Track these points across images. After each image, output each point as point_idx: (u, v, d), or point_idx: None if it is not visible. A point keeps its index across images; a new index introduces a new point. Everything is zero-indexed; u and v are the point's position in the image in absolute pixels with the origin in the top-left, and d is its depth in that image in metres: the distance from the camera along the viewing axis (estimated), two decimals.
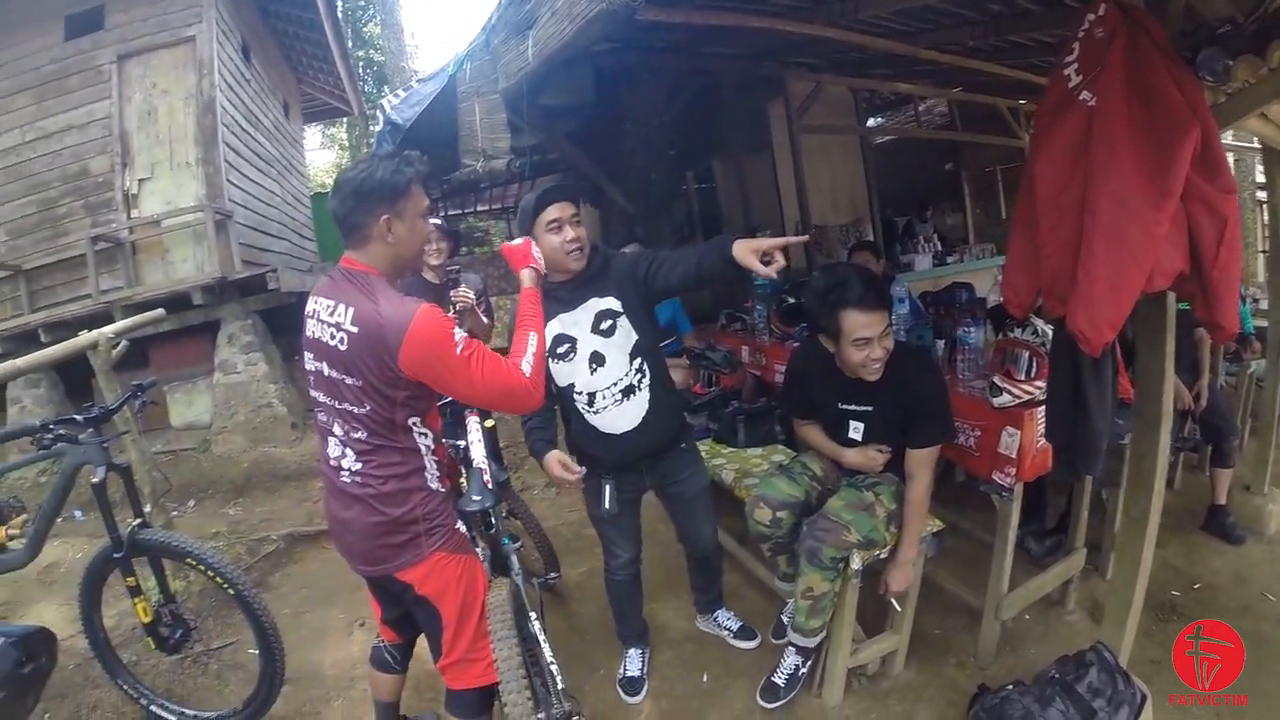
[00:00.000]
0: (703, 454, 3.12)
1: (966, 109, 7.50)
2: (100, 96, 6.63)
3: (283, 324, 6.79)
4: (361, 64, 16.31)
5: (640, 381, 2.23)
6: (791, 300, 3.54)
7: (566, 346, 2.21)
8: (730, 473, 3.02)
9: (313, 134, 18.15)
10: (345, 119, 15.19)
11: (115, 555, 2.43)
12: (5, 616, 3.44)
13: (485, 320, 3.22)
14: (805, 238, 2.09)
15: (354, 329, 1.63)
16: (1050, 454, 2.24)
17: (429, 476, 1.79)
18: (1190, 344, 3.52)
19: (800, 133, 5.76)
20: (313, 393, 1.80)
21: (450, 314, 2.70)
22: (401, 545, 1.75)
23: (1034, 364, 2.25)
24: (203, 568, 2.44)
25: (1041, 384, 2.21)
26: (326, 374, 1.71)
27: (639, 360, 2.22)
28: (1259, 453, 3.71)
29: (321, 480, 1.91)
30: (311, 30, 9.03)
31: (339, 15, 9.94)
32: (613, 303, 2.19)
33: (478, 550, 1.97)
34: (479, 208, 13.23)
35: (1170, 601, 2.94)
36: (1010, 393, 2.24)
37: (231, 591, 2.44)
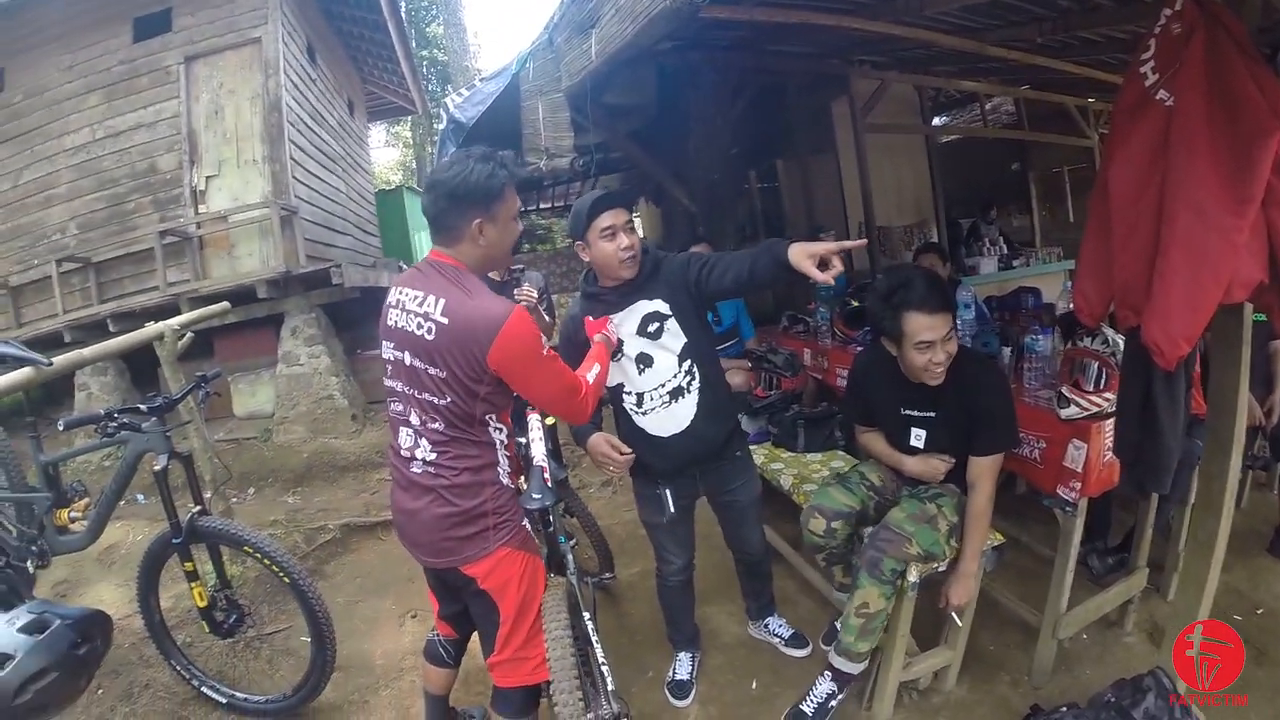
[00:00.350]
0: (761, 458, 3.16)
1: (1033, 107, 7.28)
2: (168, 96, 6.89)
3: (345, 318, 6.95)
4: (425, 63, 16.62)
5: (689, 384, 2.23)
6: (855, 303, 3.50)
7: (618, 355, 2.24)
8: (789, 478, 3.00)
9: (378, 132, 18.63)
10: (409, 117, 15.48)
11: (174, 541, 2.51)
12: (65, 595, 3.58)
13: (547, 318, 3.25)
14: (862, 241, 2.03)
15: (444, 320, 1.66)
16: (1117, 469, 2.15)
17: (501, 471, 1.82)
18: (1264, 357, 3.37)
19: (864, 132, 5.66)
20: (389, 382, 1.83)
21: None
22: (469, 538, 1.77)
23: (1104, 375, 2.17)
24: (259, 555, 2.50)
25: (1111, 396, 2.12)
26: (408, 363, 1.74)
27: (688, 363, 2.22)
28: None
29: (385, 472, 1.95)
30: (375, 30, 9.24)
31: (402, 15, 10.14)
32: (660, 305, 2.19)
33: (540, 551, 1.99)
34: (541, 205, 13.40)
35: (1233, 626, 2.82)
36: (1078, 404, 2.16)
37: (286, 579, 2.49)
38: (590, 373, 1.92)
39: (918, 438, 2.34)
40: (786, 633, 2.82)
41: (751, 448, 2.76)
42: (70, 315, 6.71)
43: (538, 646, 1.86)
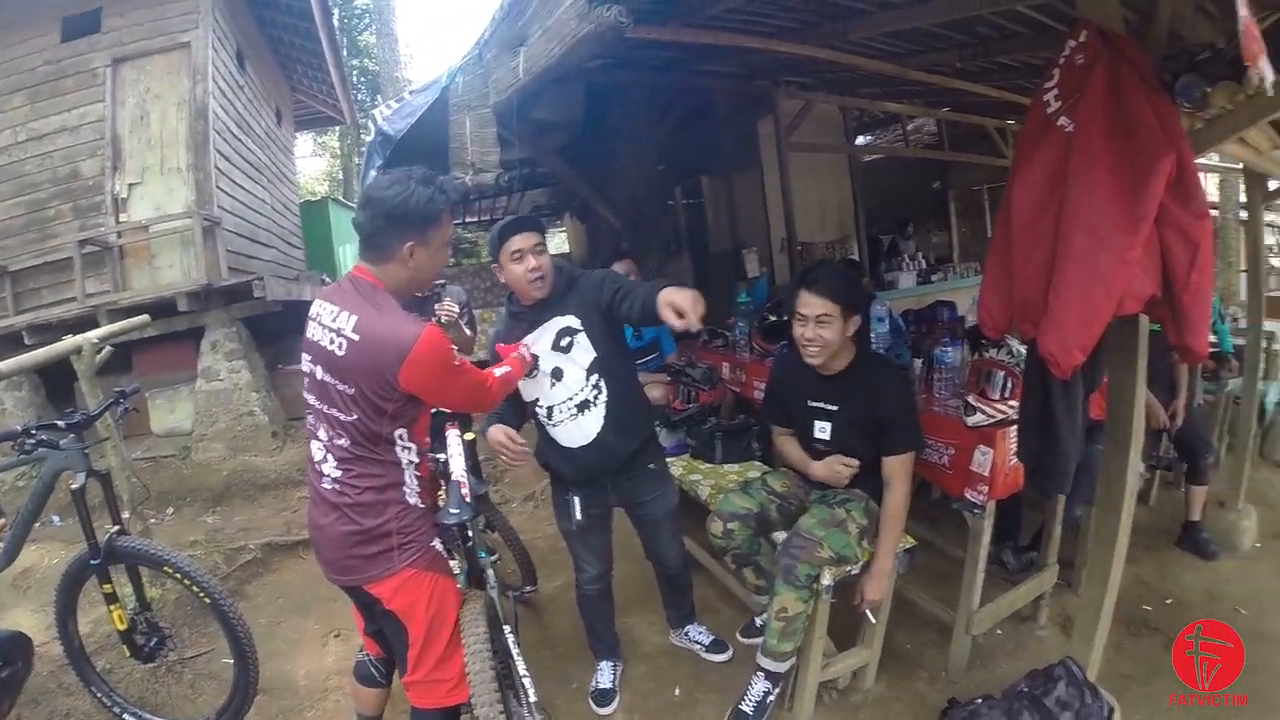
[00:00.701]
0: (680, 469, 3.20)
1: (954, 128, 7.57)
2: (94, 99, 6.61)
3: (267, 332, 6.77)
4: (355, 72, 16.31)
5: (596, 398, 2.30)
6: (773, 318, 3.57)
7: (532, 371, 2.30)
8: (706, 489, 3.05)
9: (304, 141, 18.14)
10: (338, 127, 15.16)
11: (92, 562, 2.44)
12: None
13: (468, 333, 3.24)
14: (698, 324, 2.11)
15: (355, 337, 1.65)
16: (1022, 473, 2.27)
17: (408, 491, 1.80)
18: (1167, 364, 3.58)
19: (789, 150, 5.77)
20: (305, 395, 1.82)
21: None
22: (373, 557, 1.75)
23: (1009, 384, 2.28)
24: (179, 576, 2.44)
25: (1015, 404, 2.23)
26: (320, 378, 1.73)
27: (595, 377, 2.29)
28: (1234, 470, 3.75)
29: (306, 490, 1.92)
30: (307, 39, 9.03)
31: (334, 24, 9.95)
32: (572, 320, 2.27)
33: (454, 565, 1.98)
34: (468, 219, 13.28)
35: (1143, 616, 2.98)
36: (984, 412, 2.27)
37: (207, 600, 2.44)
38: (500, 369, 2.00)
39: (822, 430, 2.44)
40: (706, 639, 2.88)
41: (670, 460, 2.85)
42: None
43: (453, 668, 1.85)
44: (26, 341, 5.90)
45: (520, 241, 2.20)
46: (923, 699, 2.54)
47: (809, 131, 6.02)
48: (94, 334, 3.42)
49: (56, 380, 5.88)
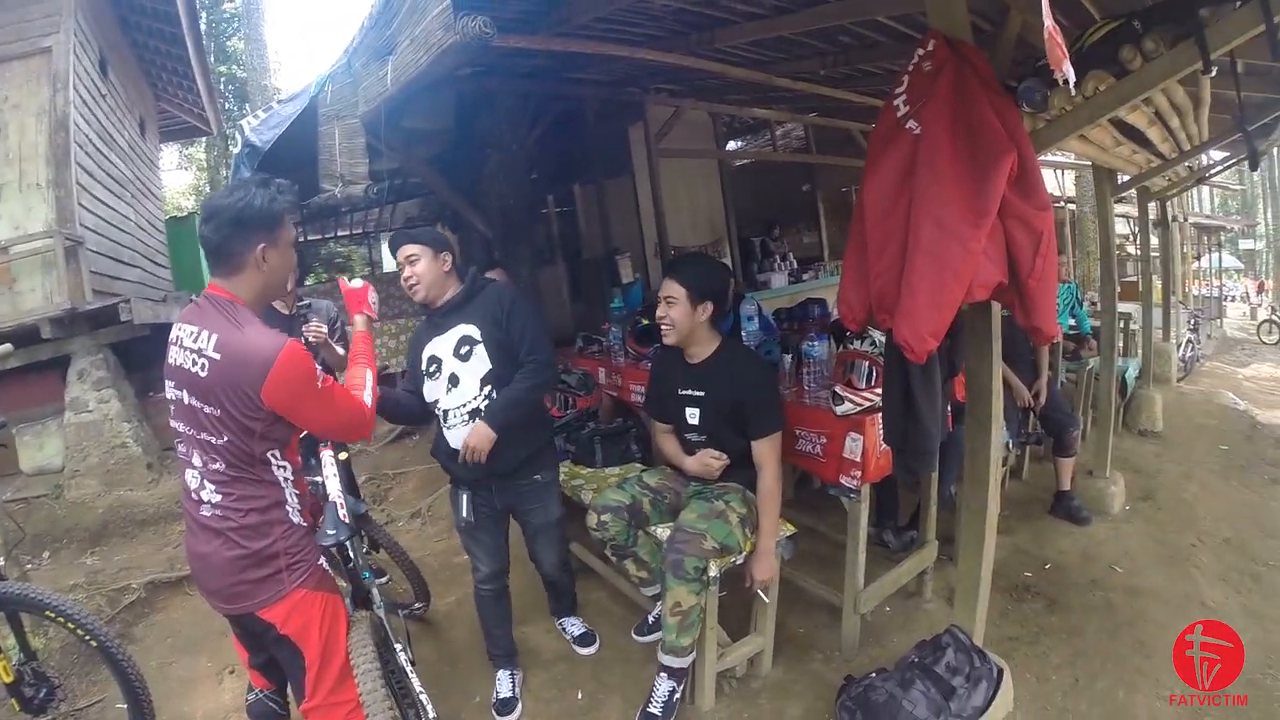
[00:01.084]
0: (562, 475, 3.19)
1: (821, 133, 7.83)
2: None
3: (136, 358, 6.35)
4: (223, 80, 15.50)
5: (488, 408, 2.40)
6: (646, 322, 3.60)
7: (435, 367, 2.45)
8: (589, 492, 3.09)
9: (169, 154, 17.16)
10: (204, 139, 14.34)
11: None
12: None
13: (340, 351, 3.16)
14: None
15: (216, 356, 1.61)
16: (891, 455, 2.39)
17: (290, 510, 1.76)
18: (1029, 347, 3.83)
19: (659, 156, 5.86)
20: (173, 422, 1.75)
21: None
22: (262, 581, 1.70)
23: (873, 373, 2.40)
24: (63, 620, 2.32)
25: (880, 391, 2.33)
26: (187, 402, 1.67)
27: (488, 388, 2.42)
28: (1099, 440, 4.06)
29: (182, 523, 1.84)
30: (173, 44, 8.52)
31: (201, 29, 9.45)
32: (473, 330, 2.42)
33: (341, 588, 1.93)
34: (339, 233, 12.91)
35: (1024, 582, 3.19)
36: (852, 401, 2.39)
37: (94, 644, 2.34)
38: (366, 387, 1.91)
39: (692, 415, 2.56)
40: (577, 631, 3.00)
41: None
42: None
43: (349, 690, 1.80)
44: None
45: (401, 254, 2.44)
46: (820, 678, 2.63)
47: (679, 137, 6.10)
48: None
49: None
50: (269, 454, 1.72)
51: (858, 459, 2.40)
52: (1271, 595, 3.10)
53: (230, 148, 9.55)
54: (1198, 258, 17.40)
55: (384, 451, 5.98)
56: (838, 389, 2.42)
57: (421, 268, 2.40)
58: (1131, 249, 11.96)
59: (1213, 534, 3.64)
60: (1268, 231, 28.34)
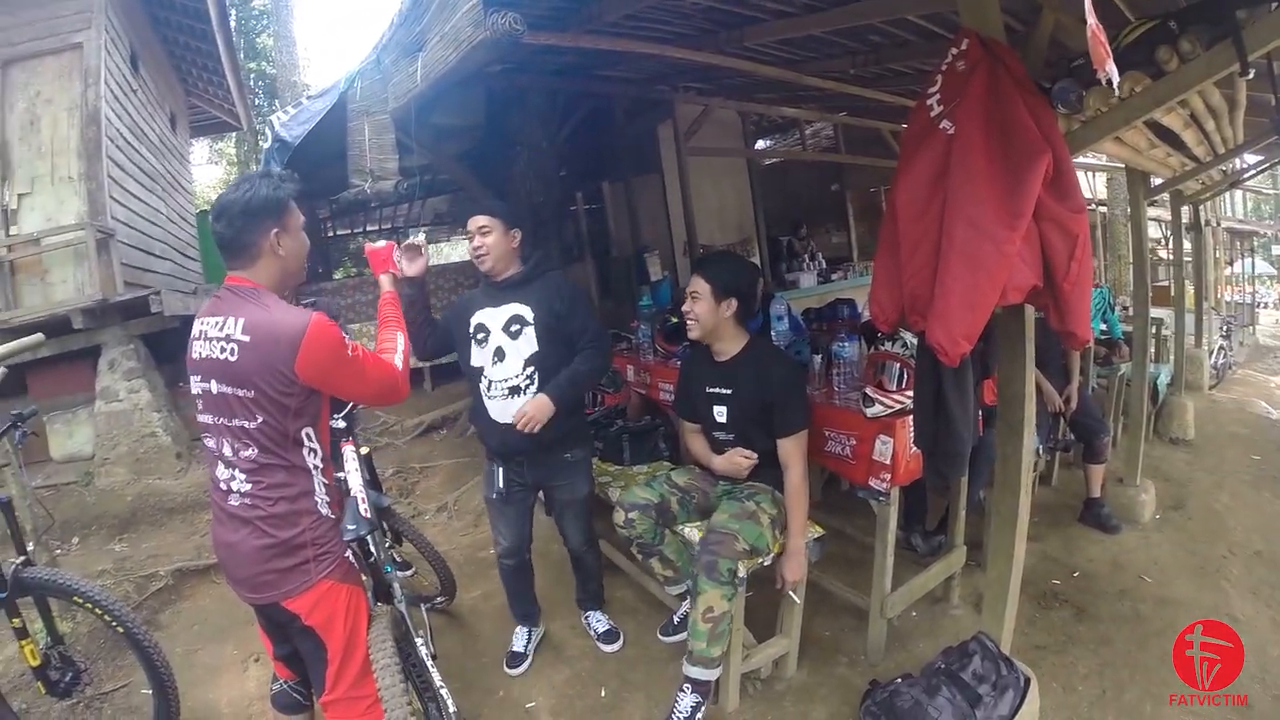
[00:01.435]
0: None
1: (851, 132, 7.77)
2: None
3: (166, 349, 6.45)
4: (253, 76, 15.61)
5: (528, 387, 2.52)
6: (675, 320, 3.61)
7: (483, 335, 2.55)
8: (617, 490, 3.08)
9: (200, 148, 17.35)
10: (234, 133, 14.53)
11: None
12: None
13: None
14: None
15: (245, 338, 1.64)
16: (922, 459, 2.35)
17: (319, 501, 1.77)
18: (1060, 352, 3.77)
19: (689, 155, 5.88)
20: (201, 417, 1.77)
21: None
22: (289, 570, 1.72)
23: (904, 375, 2.38)
24: (91, 606, 2.35)
25: (911, 394, 2.31)
26: (216, 391, 1.69)
27: (531, 369, 2.52)
28: (1130, 447, 3.99)
29: (210, 510, 1.86)
30: (203, 40, 8.63)
31: (231, 25, 9.55)
32: (526, 311, 2.52)
33: (364, 581, 1.94)
34: (369, 227, 13.00)
35: (1052, 590, 3.14)
36: (882, 403, 2.35)
37: (121, 630, 2.36)
38: (397, 350, 1.94)
39: (720, 414, 2.57)
40: (602, 627, 3.01)
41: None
42: None
43: (370, 685, 1.81)
44: None
45: (471, 224, 2.55)
46: (845, 683, 2.61)
47: (708, 136, 6.12)
48: None
49: None
50: (303, 433, 1.74)
51: (887, 461, 2.38)
52: None
53: (260, 143, 9.65)
54: (1230, 263, 17.04)
55: (411, 445, 6.00)
56: (868, 390, 2.39)
57: (493, 240, 2.51)
58: (1163, 253, 11.77)
59: (1244, 545, 3.57)
60: None
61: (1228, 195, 12.63)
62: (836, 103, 6.35)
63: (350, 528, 1.85)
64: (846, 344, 2.71)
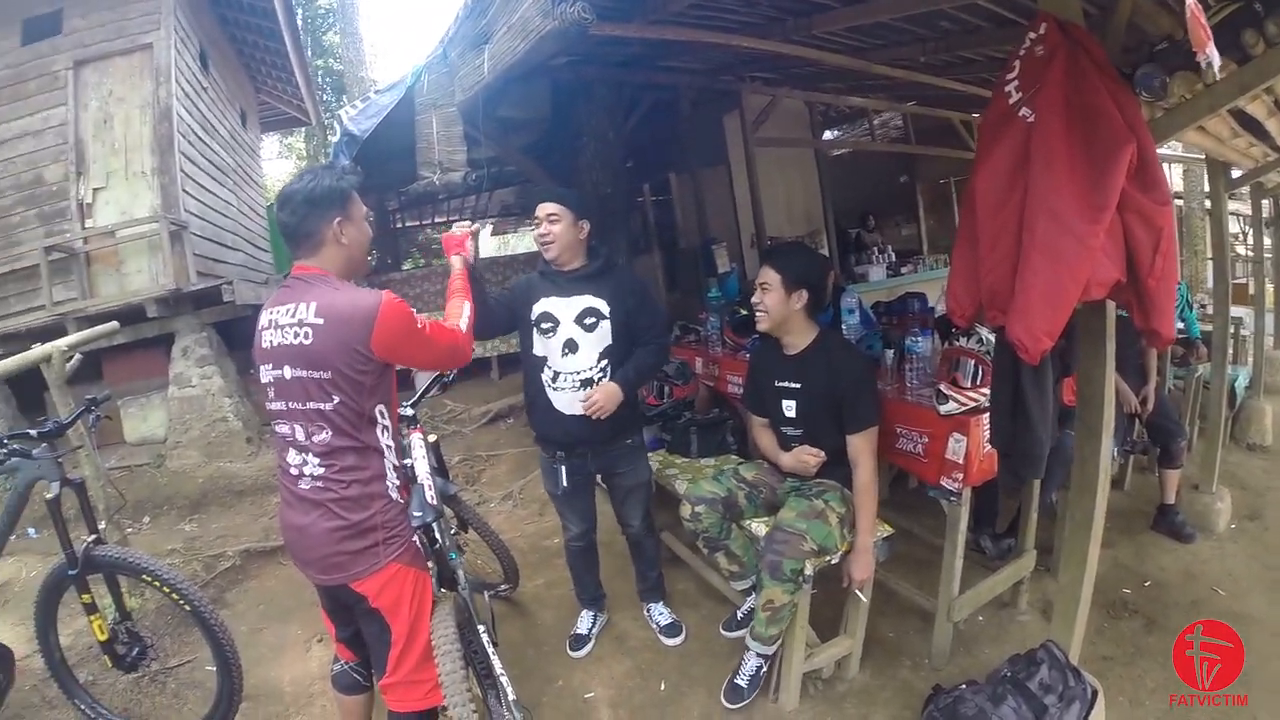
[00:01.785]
0: (656, 464, 3.23)
1: (920, 122, 7.61)
2: (56, 103, 6.46)
3: (238, 337, 6.67)
4: (320, 73, 16.04)
5: (600, 380, 2.51)
6: (744, 312, 3.58)
7: (550, 324, 2.52)
8: (684, 483, 3.05)
9: (270, 143, 17.83)
10: (303, 129, 14.97)
11: (70, 572, 2.41)
12: None
13: None
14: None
15: (319, 320, 1.68)
16: (996, 459, 2.28)
17: (389, 485, 1.81)
18: (1137, 350, 3.62)
19: (756, 146, 5.82)
20: (271, 405, 1.80)
21: None
22: (359, 553, 1.75)
23: (979, 371, 2.31)
24: (159, 584, 2.41)
25: (986, 391, 2.25)
26: (289, 377, 1.72)
27: (605, 362, 2.52)
28: (1207, 453, 3.82)
29: (277, 494, 1.90)
30: (270, 39, 8.91)
31: (298, 24, 9.80)
32: (601, 305, 2.51)
33: (429, 567, 1.97)
34: (436, 219, 13.18)
35: (1122, 599, 3.02)
36: (956, 400, 2.29)
37: (188, 608, 2.41)
38: (463, 315, 2.04)
39: (789, 408, 2.54)
40: (664, 621, 2.99)
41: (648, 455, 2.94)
42: None
43: (431, 670, 1.84)
44: None
45: (539, 210, 2.52)
46: (908, 686, 2.55)
47: (775, 127, 6.04)
48: (63, 342, 3.40)
49: (27, 391, 5.76)
50: (377, 409, 1.78)
51: (960, 461, 2.31)
52: None
53: (329, 137, 9.92)
54: None
55: (477, 434, 6.08)
56: (942, 387, 2.32)
57: (560, 228, 2.49)
58: (1241, 249, 11.23)
59: None
60: None
61: None
62: (905, 92, 6.23)
63: (417, 514, 1.88)
64: (920, 339, 2.63)
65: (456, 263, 2.27)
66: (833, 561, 2.36)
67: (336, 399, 1.70)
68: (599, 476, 2.79)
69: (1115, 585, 3.12)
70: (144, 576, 2.43)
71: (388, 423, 1.82)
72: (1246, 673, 2.49)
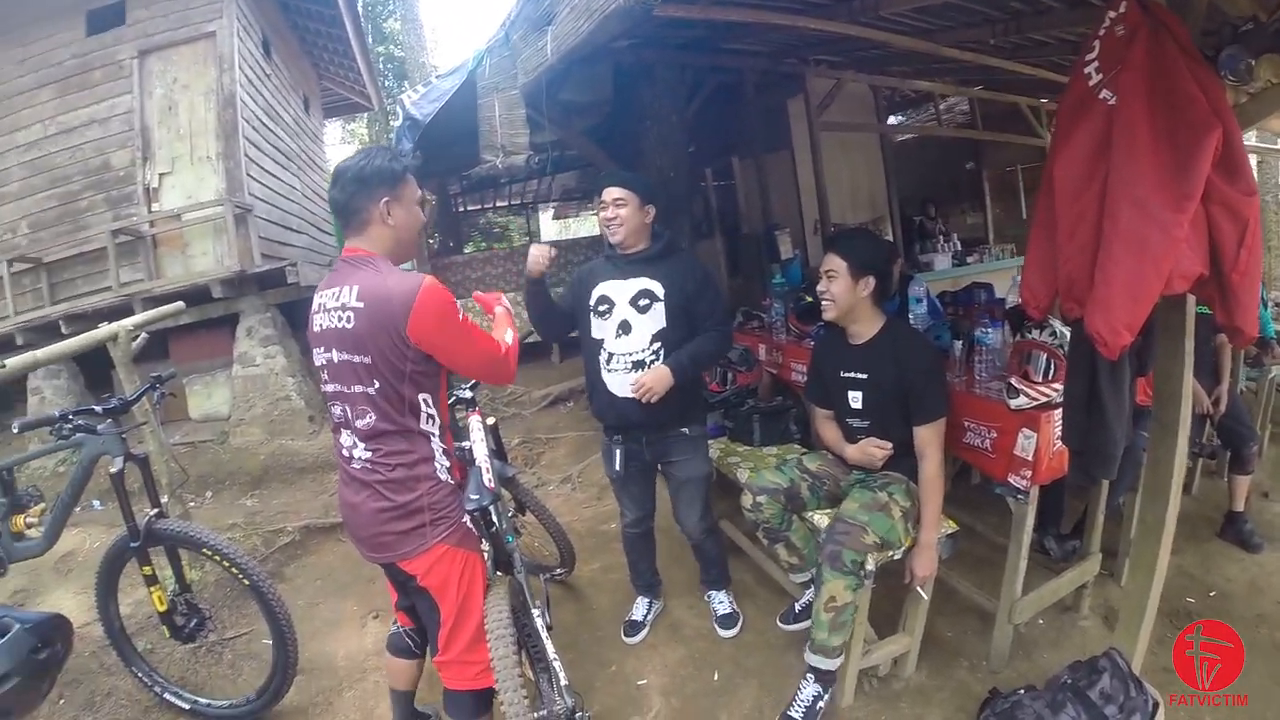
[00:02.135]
0: (718, 451, 3.21)
1: (987, 107, 7.44)
2: (122, 91, 6.69)
3: (301, 318, 6.77)
4: (382, 59, 16.30)
5: (652, 363, 2.50)
6: (809, 299, 3.51)
7: (606, 307, 2.55)
8: (745, 471, 3.03)
9: (333, 129, 18.18)
10: (365, 114, 15.24)
11: (132, 544, 2.47)
12: (23, 603, 3.49)
13: None
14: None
15: (360, 304, 1.68)
16: (1066, 457, 2.22)
17: (438, 466, 1.81)
18: (1210, 348, 3.48)
19: (820, 130, 5.75)
20: (325, 387, 1.84)
21: None
22: (406, 533, 1.77)
23: (1052, 366, 2.23)
24: (218, 558, 2.47)
25: (1059, 386, 2.18)
26: (337, 360, 1.75)
27: (658, 344, 2.51)
28: (1277, 458, 3.65)
29: (337, 471, 1.94)
30: (332, 26, 9.08)
31: (359, 11, 9.97)
32: (656, 287, 2.50)
33: (483, 549, 1.98)
34: (498, 203, 13.30)
35: (1185, 609, 2.91)
36: (1027, 394, 2.22)
37: (246, 582, 2.47)
38: (507, 335, 1.97)
39: (854, 399, 2.49)
40: (722, 610, 2.95)
41: (709, 442, 2.91)
42: (22, 317, 6.48)
43: (482, 652, 1.85)
44: (64, 331, 6.02)
45: (605, 194, 2.52)
46: (965, 688, 2.50)
47: (840, 111, 5.96)
48: (129, 321, 3.48)
49: (94, 368, 5.99)
50: (421, 398, 1.77)
51: (1029, 458, 2.23)
52: None
53: (391, 122, 10.08)
54: None
55: (537, 416, 6.14)
56: (1013, 381, 2.25)
57: (626, 212, 2.49)
58: None
59: None
60: None
61: None
62: (973, 76, 6.11)
63: (473, 497, 1.89)
64: (990, 330, 2.56)
65: (498, 311, 2.19)
66: (895, 557, 2.31)
67: (378, 384, 1.71)
68: (660, 466, 2.76)
69: (1179, 594, 3.00)
70: (204, 550, 2.49)
71: (433, 411, 1.81)
72: None
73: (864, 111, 6.81)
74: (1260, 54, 1.72)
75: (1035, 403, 2.22)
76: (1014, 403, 2.25)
